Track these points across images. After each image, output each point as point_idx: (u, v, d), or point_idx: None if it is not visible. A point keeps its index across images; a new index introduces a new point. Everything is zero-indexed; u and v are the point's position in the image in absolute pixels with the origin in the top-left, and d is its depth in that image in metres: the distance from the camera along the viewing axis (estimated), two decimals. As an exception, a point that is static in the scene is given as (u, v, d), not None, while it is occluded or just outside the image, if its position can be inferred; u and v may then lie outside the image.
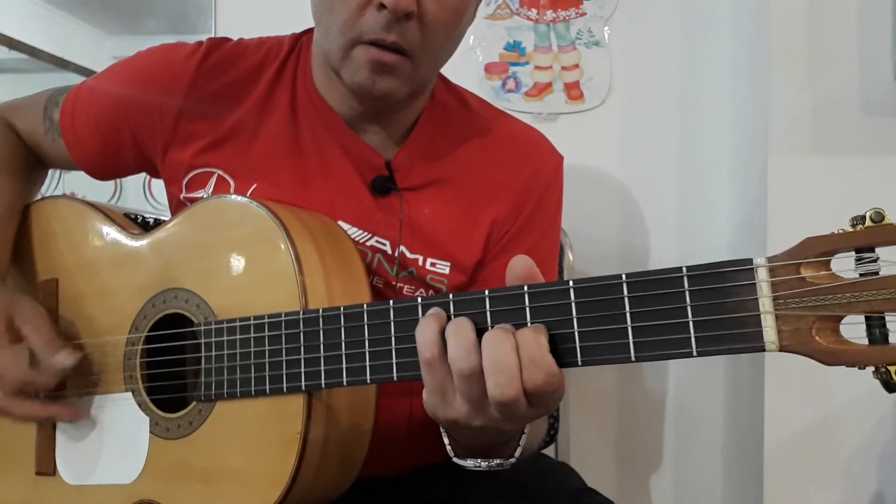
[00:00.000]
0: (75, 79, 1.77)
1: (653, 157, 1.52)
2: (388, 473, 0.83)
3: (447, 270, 0.83)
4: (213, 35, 1.37)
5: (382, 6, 0.70)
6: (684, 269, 0.50)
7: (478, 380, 0.54)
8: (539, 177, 0.88)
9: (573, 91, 1.54)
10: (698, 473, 1.53)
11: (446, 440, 0.65)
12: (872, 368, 0.46)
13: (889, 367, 0.45)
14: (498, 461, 0.64)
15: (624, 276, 0.52)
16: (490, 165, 0.87)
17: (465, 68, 1.52)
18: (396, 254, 0.82)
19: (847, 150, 1.26)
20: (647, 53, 1.52)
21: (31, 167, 0.94)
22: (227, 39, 0.89)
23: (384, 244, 0.82)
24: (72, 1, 1.80)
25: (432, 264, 0.83)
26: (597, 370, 1.53)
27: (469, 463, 0.65)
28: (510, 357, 0.53)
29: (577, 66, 1.53)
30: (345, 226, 0.81)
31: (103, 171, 0.93)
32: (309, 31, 0.88)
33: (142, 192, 1.75)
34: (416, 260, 0.83)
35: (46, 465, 0.83)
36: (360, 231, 0.82)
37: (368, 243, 0.82)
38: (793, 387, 1.27)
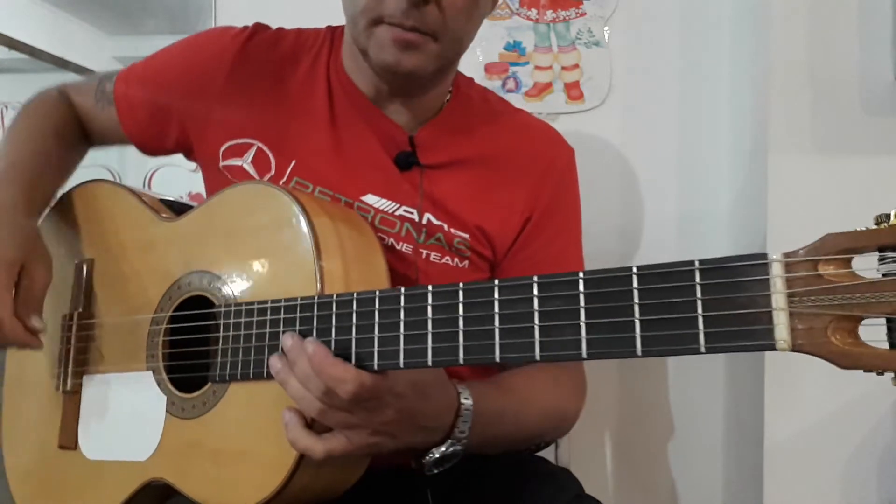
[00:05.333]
0: (75, 79, 1.78)
1: (653, 158, 1.52)
2: (395, 461, 0.84)
3: (468, 237, 0.88)
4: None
5: None
6: (696, 263, 0.48)
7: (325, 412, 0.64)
8: (554, 167, 0.93)
9: (573, 91, 1.54)
10: (698, 474, 1.53)
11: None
12: (892, 374, 0.43)
13: None
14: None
15: (634, 269, 0.50)
16: (508, 153, 0.91)
17: (465, 68, 1.51)
18: (424, 221, 0.86)
19: (847, 150, 1.26)
20: (647, 53, 1.52)
21: (78, 139, 1.00)
22: (268, 26, 0.96)
23: (411, 213, 0.86)
24: (72, 1, 1.80)
25: (455, 233, 0.88)
26: (597, 373, 1.53)
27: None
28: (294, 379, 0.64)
29: (577, 66, 1.53)
30: (374, 198, 0.86)
31: (147, 141, 0.97)
32: (343, 26, 0.93)
33: (142, 187, 1.75)
34: (442, 227, 0.87)
35: (69, 439, 0.85)
36: (389, 202, 0.86)
37: (397, 213, 0.86)
38: (793, 387, 1.27)
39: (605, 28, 1.53)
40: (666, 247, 1.51)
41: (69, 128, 0.98)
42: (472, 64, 1.54)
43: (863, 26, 1.25)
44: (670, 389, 1.54)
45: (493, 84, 1.54)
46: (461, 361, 0.57)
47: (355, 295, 0.64)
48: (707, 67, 1.50)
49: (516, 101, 1.52)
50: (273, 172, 0.87)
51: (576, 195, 0.96)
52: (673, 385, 1.54)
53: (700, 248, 1.50)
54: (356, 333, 0.63)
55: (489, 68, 1.55)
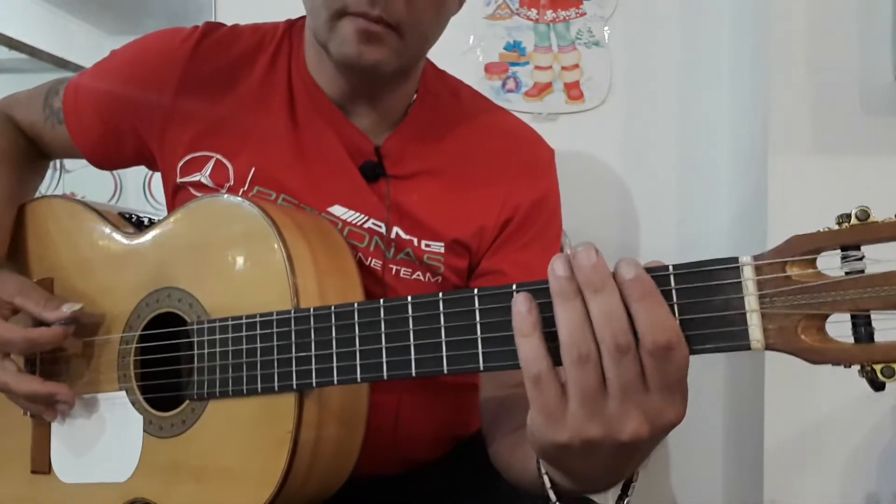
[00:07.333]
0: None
1: (653, 158, 1.52)
2: (377, 472, 0.83)
3: (442, 250, 0.83)
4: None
5: None
6: (671, 268, 0.49)
7: (594, 364, 0.48)
8: (531, 170, 0.87)
9: (573, 91, 1.54)
10: (698, 473, 1.53)
11: (547, 482, 0.57)
12: (858, 367, 0.46)
13: (874, 366, 0.45)
14: None
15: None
16: (480, 156, 0.86)
17: (465, 68, 1.52)
18: (393, 235, 0.82)
19: (847, 150, 1.26)
20: (647, 53, 1.52)
21: (30, 158, 0.94)
22: (222, 24, 0.90)
23: (380, 226, 0.82)
24: (72, 1, 1.80)
25: (427, 245, 0.83)
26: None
27: None
28: (619, 308, 0.48)
29: (577, 66, 1.54)
30: (341, 209, 0.82)
31: (103, 159, 0.92)
32: (304, 18, 0.88)
33: (142, 192, 1.75)
34: (411, 241, 0.82)
35: (41, 464, 0.82)
36: (356, 213, 0.82)
37: (365, 226, 0.82)
38: (793, 387, 1.27)
39: (605, 28, 1.53)
40: (666, 247, 1.51)
41: (20, 153, 0.92)
42: (472, 64, 1.54)
43: (863, 26, 1.25)
44: (670, 389, 1.54)
45: (493, 84, 1.54)
46: (445, 371, 0.56)
47: (333, 308, 0.62)
48: (707, 67, 1.50)
49: (516, 101, 1.52)
50: (232, 182, 0.83)
51: (557, 200, 0.90)
52: (673, 385, 1.54)
53: (700, 248, 1.50)
54: (336, 348, 0.62)
55: (489, 68, 1.55)
